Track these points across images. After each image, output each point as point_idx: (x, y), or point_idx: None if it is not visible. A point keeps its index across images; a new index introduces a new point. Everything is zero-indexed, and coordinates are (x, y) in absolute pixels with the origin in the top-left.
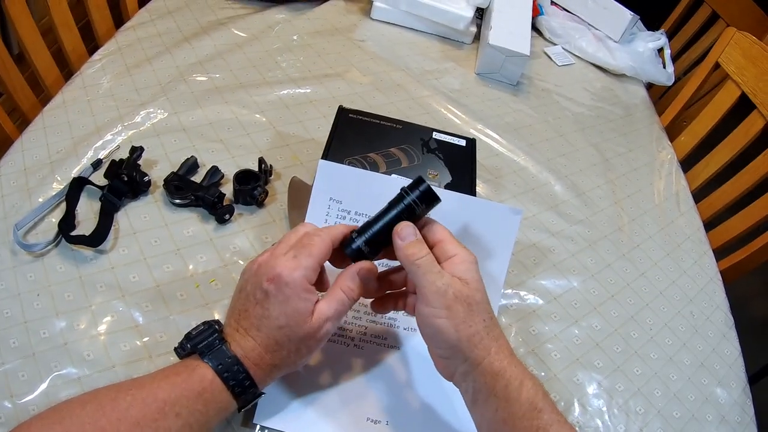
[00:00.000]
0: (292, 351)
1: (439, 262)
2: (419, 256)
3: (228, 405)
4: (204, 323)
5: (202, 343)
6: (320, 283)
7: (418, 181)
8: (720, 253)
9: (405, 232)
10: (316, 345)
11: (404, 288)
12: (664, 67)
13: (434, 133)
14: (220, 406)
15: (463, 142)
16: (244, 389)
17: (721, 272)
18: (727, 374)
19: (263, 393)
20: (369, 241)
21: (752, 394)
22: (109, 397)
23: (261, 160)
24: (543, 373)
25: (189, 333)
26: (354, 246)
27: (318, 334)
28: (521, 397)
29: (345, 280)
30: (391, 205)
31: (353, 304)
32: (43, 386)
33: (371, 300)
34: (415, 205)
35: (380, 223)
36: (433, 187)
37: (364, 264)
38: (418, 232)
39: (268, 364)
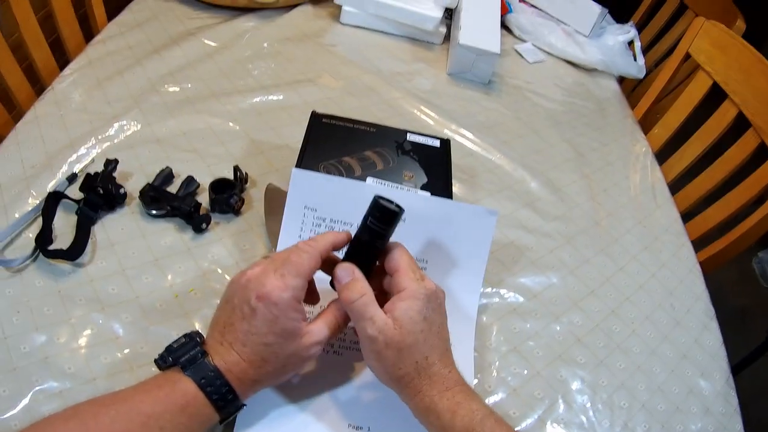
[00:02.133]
0: (278, 368)
1: (392, 294)
2: (352, 299)
3: (211, 417)
4: (185, 336)
5: (184, 356)
6: (310, 295)
7: (374, 203)
8: (698, 244)
9: (339, 275)
10: (302, 364)
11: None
12: (635, 60)
13: (408, 134)
14: (203, 419)
15: (437, 143)
16: (227, 402)
17: (700, 263)
18: (710, 365)
19: (245, 404)
20: None
21: (735, 384)
22: (92, 412)
23: (236, 168)
24: (525, 371)
25: (170, 345)
26: None
27: (305, 353)
28: (455, 426)
29: (340, 309)
30: (359, 231)
31: (342, 330)
32: (25, 401)
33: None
34: (376, 227)
35: (353, 252)
36: (390, 202)
37: (352, 298)
38: (354, 270)
39: (251, 379)
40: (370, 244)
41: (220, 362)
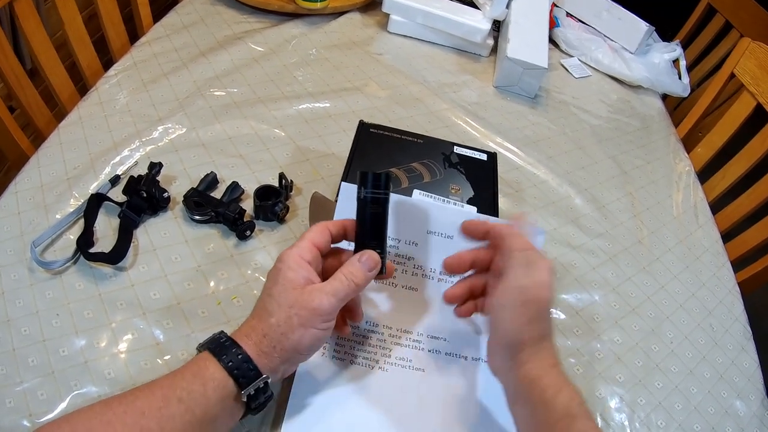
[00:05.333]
0: (281, 319)
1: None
2: (526, 247)
3: (225, 384)
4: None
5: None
6: (352, 311)
7: (360, 177)
8: (737, 264)
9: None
10: (311, 317)
11: (482, 294)
12: (680, 78)
13: (455, 147)
14: (217, 385)
15: (484, 156)
16: (239, 364)
17: (739, 284)
18: (746, 387)
19: (265, 377)
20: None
21: None
22: (118, 396)
23: (281, 176)
24: None
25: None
26: None
27: (310, 303)
28: (557, 404)
29: (347, 265)
30: (359, 209)
31: (356, 289)
32: (63, 405)
33: (455, 306)
34: (371, 194)
35: (362, 231)
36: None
37: (365, 252)
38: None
39: (258, 333)
40: (373, 215)
41: (236, 333)
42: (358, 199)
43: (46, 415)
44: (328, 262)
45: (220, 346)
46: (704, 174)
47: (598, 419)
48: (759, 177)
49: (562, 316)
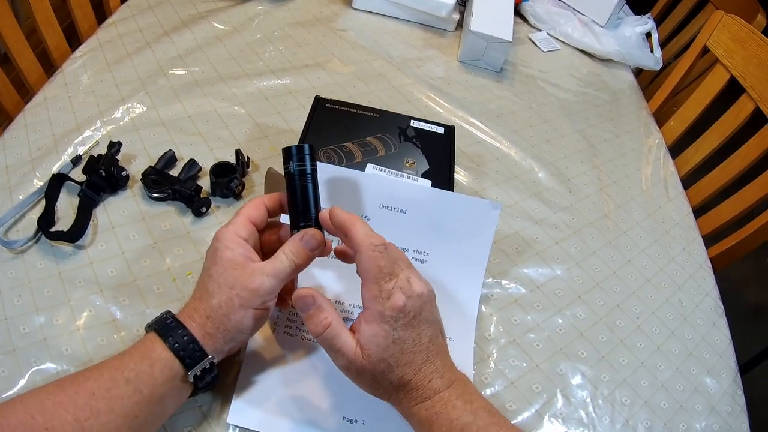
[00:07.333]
0: (222, 300)
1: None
2: (317, 333)
3: (171, 365)
4: None
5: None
6: (289, 290)
7: (283, 152)
8: (710, 239)
9: (299, 305)
10: (251, 297)
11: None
12: (652, 52)
13: (412, 121)
14: (163, 366)
15: (441, 130)
16: (183, 345)
17: (712, 259)
18: (717, 363)
19: (211, 358)
20: (297, 225)
21: (744, 383)
22: (71, 376)
23: (238, 152)
24: (525, 364)
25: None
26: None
27: (251, 284)
28: None
29: (289, 244)
30: (288, 185)
31: (298, 269)
32: (23, 382)
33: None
34: (295, 168)
35: (293, 205)
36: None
37: (307, 230)
38: (316, 297)
39: (201, 314)
40: (302, 188)
41: (181, 314)
42: (286, 174)
43: (7, 391)
44: (266, 236)
45: (165, 327)
46: (677, 148)
47: (559, 395)
48: (732, 150)
49: (522, 290)
